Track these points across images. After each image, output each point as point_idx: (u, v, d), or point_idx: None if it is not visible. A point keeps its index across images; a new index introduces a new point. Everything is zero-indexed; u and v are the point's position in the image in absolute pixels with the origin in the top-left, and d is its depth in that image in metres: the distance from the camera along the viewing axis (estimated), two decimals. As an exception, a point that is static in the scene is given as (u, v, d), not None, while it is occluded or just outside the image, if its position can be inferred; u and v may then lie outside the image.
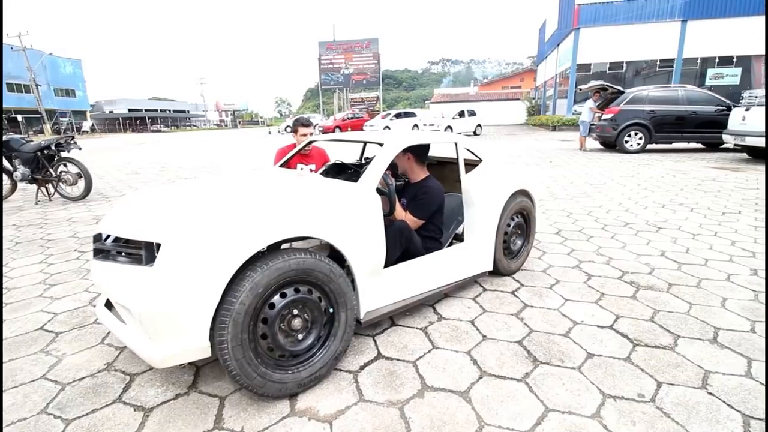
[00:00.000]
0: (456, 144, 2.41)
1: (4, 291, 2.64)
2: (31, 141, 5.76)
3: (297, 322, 1.52)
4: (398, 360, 1.77)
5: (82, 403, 1.55)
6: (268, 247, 1.45)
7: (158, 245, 1.33)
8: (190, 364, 1.77)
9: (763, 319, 2.05)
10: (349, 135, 2.70)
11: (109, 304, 1.76)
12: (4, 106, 36.47)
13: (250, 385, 1.41)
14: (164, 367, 1.36)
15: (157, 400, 1.55)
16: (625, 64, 21.63)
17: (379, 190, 1.92)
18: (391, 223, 2.02)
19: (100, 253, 1.60)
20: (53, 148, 5.52)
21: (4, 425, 1.44)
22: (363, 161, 3.00)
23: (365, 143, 3.00)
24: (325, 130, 22.62)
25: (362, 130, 22.09)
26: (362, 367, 1.72)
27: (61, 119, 42.00)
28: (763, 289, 2.39)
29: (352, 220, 1.72)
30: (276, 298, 1.48)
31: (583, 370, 1.68)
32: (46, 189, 5.79)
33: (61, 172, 5.68)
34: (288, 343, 1.52)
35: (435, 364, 1.73)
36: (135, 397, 1.58)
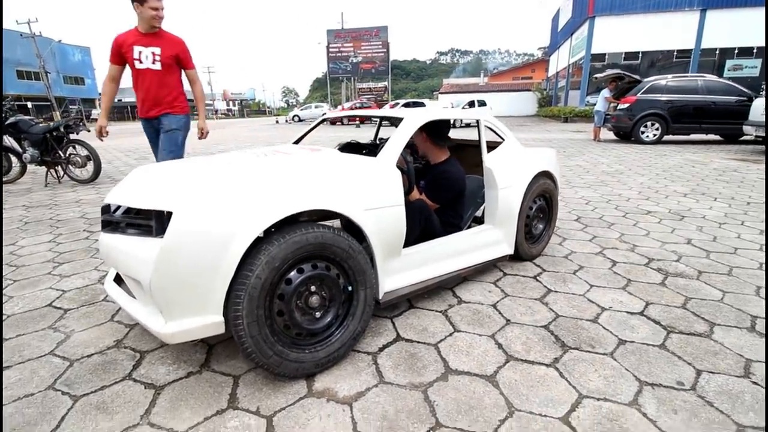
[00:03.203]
0: (478, 122, 2.30)
1: (12, 269, 2.60)
2: (40, 123, 5.72)
3: (315, 300, 1.44)
4: (418, 342, 1.69)
5: (90, 379, 1.49)
6: (284, 220, 1.36)
7: (169, 214, 1.25)
8: (202, 341, 1.70)
9: (804, 308, 1.93)
10: (366, 111, 2.60)
11: (118, 279, 1.70)
12: (15, 92, 36.67)
13: (266, 363, 1.34)
14: (175, 342, 1.29)
15: (169, 378, 1.49)
16: (640, 55, 21.12)
17: (398, 167, 1.83)
18: (409, 202, 1.92)
19: (109, 225, 1.52)
20: (62, 129, 5.48)
21: (10, 401, 1.39)
22: (378, 142, 2.90)
23: (381, 120, 2.89)
24: (333, 121, 22.44)
25: (370, 120, 21.89)
26: (381, 349, 1.64)
27: (70, 107, 42.21)
28: (801, 278, 2.26)
29: (372, 194, 1.63)
30: (293, 274, 1.39)
31: (616, 356, 1.58)
32: (56, 171, 5.76)
33: (70, 155, 5.64)
34: (305, 321, 1.44)
35: (458, 348, 1.64)
36: (145, 374, 1.51)
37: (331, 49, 38.71)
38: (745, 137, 8.71)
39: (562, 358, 1.58)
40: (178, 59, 3.13)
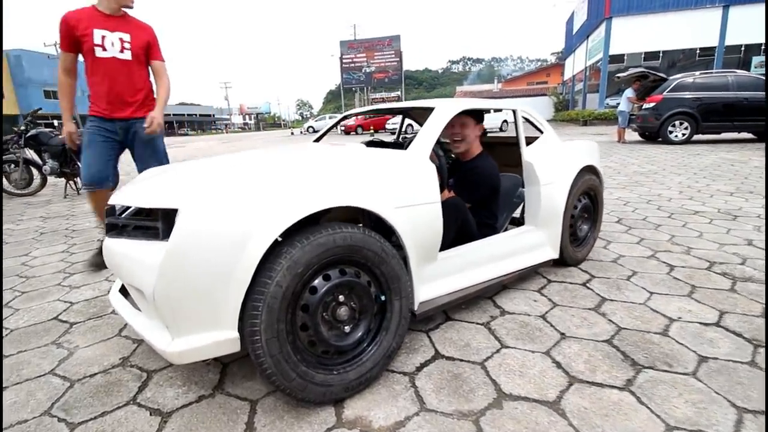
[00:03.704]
0: (515, 112, 2.09)
1: (23, 280, 2.48)
2: (59, 135, 5.73)
3: (343, 311, 1.23)
4: (461, 360, 1.46)
5: (91, 403, 1.31)
6: (306, 219, 1.17)
7: (175, 212, 1.07)
8: (215, 360, 1.52)
9: None
10: (390, 104, 2.41)
11: (124, 290, 1.53)
12: (44, 111, 38.04)
13: (288, 387, 1.13)
14: (184, 363, 1.10)
15: (177, 402, 1.30)
16: (661, 54, 20.54)
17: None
18: (444, 200, 1.71)
19: (114, 228, 1.36)
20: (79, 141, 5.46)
21: (3, 427, 1.22)
22: (402, 141, 2.71)
23: (405, 112, 2.68)
24: (347, 129, 22.46)
25: (384, 128, 21.81)
26: (419, 369, 1.42)
27: (94, 124, 43.52)
28: None
29: (405, 190, 1.43)
30: (318, 281, 1.19)
31: (700, 377, 1.33)
32: (75, 183, 5.76)
33: (88, 166, 5.61)
34: (333, 337, 1.23)
35: (509, 367, 1.41)
36: (152, 398, 1.33)
37: (344, 60, 39.08)
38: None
39: (636, 379, 1.33)
40: (147, 49, 2.56)
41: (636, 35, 20.27)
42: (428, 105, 1.89)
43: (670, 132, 9.28)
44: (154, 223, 1.17)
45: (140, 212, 1.45)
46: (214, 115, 76.43)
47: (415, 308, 1.47)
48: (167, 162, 2.63)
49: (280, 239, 1.13)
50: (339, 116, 2.72)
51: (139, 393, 1.36)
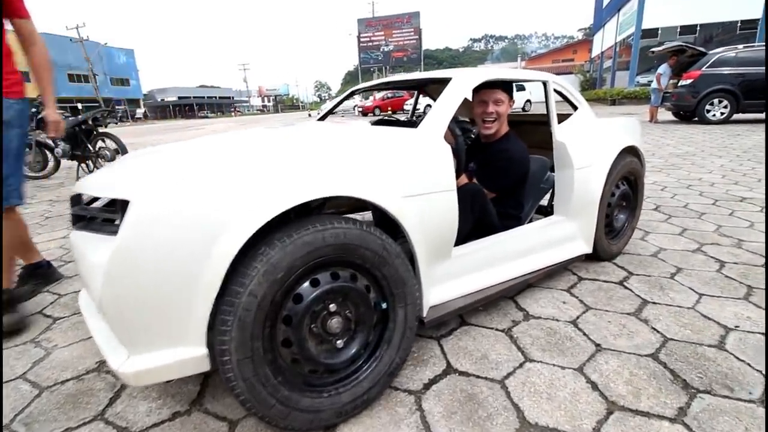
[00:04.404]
0: (545, 84, 1.80)
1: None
2: (69, 116, 5.68)
3: (335, 323, 1.03)
4: (477, 377, 1.24)
5: (55, 417, 1.17)
6: (294, 212, 0.96)
7: (125, 204, 0.88)
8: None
9: None
10: (401, 76, 2.15)
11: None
12: (67, 95, 38.78)
13: (267, 415, 0.95)
14: (141, 385, 0.93)
15: (148, 420, 1.13)
16: (698, 28, 19.17)
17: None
18: (460, 187, 1.47)
19: (80, 220, 1.18)
20: (90, 122, 5.38)
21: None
22: (415, 119, 2.45)
23: (421, 85, 2.41)
24: (365, 111, 22.04)
25: (402, 109, 21.29)
26: (427, 386, 1.22)
27: (117, 107, 44.40)
28: None
29: (414, 176, 1.20)
30: (304, 287, 0.99)
31: (772, 407, 1.08)
32: (87, 165, 5.71)
33: (99, 148, 5.56)
34: (322, 353, 1.03)
35: (534, 387, 1.19)
36: (122, 413, 1.17)
37: (362, 39, 38.22)
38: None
39: (690, 407, 1.09)
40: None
41: (671, 7, 18.89)
42: (445, 75, 1.64)
43: (708, 111, 8.62)
44: (114, 215, 0.98)
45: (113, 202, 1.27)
46: (233, 98, 76.76)
47: (424, 314, 1.26)
48: (20, 167, 1.78)
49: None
50: (356, 97, 2.46)
51: (109, 406, 1.20)
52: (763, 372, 1.22)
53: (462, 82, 1.50)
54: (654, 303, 1.63)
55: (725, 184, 3.60)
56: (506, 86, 1.67)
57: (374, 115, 21.60)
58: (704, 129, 7.83)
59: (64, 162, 5.94)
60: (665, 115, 10.31)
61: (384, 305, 1.12)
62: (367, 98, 23.80)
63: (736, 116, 8.61)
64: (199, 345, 0.92)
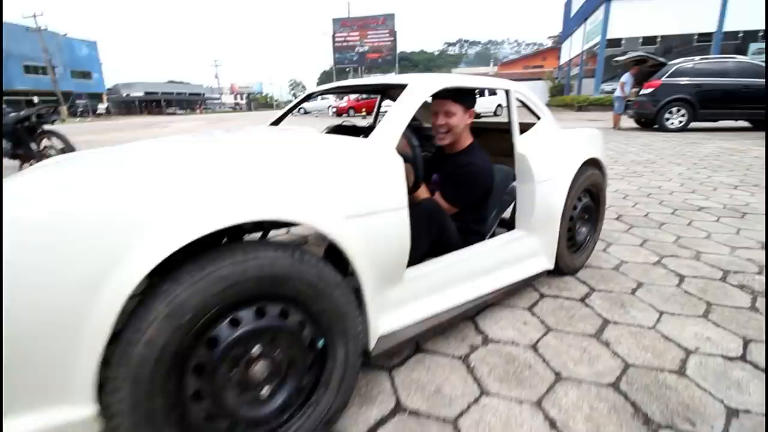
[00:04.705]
0: (508, 93, 1.72)
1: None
2: (11, 112, 5.24)
3: (259, 368, 0.89)
4: (428, 417, 1.13)
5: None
6: (208, 239, 0.82)
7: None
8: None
9: None
10: (361, 80, 2.03)
11: None
12: (22, 87, 36.50)
13: (172, 484, 0.80)
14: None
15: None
16: (658, 39, 20.09)
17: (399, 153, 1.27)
18: (414, 203, 1.35)
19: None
20: (34, 119, 4.98)
21: None
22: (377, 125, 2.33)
23: (378, 90, 2.29)
24: (339, 111, 21.81)
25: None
26: (372, 431, 1.09)
27: (77, 101, 42.15)
28: None
29: (360, 193, 1.08)
30: (222, 328, 0.85)
31: (734, 444, 1.02)
32: (30, 165, 5.28)
33: (44, 147, 5.15)
34: (244, 406, 0.89)
35: (489, 427, 1.09)
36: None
37: (336, 39, 37.92)
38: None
39: (651, 446, 1.02)
40: None
41: (635, 19, 19.72)
42: (401, 81, 1.52)
43: (667, 119, 8.97)
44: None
45: None
46: (203, 94, 74.43)
47: (371, 346, 1.14)
48: None
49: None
50: (330, 97, 2.32)
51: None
52: (724, 402, 1.17)
53: (418, 89, 1.39)
54: (615, 323, 1.58)
55: (683, 192, 3.68)
56: (461, 97, 1.56)
57: (348, 115, 21.39)
58: (664, 137, 8.13)
59: (6, 162, 5.48)
60: (628, 122, 10.66)
61: (321, 342, 0.99)
62: (341, 98, 23.58)
63: (692, 125, 9.00)
64: (87, 402, 0.76)
